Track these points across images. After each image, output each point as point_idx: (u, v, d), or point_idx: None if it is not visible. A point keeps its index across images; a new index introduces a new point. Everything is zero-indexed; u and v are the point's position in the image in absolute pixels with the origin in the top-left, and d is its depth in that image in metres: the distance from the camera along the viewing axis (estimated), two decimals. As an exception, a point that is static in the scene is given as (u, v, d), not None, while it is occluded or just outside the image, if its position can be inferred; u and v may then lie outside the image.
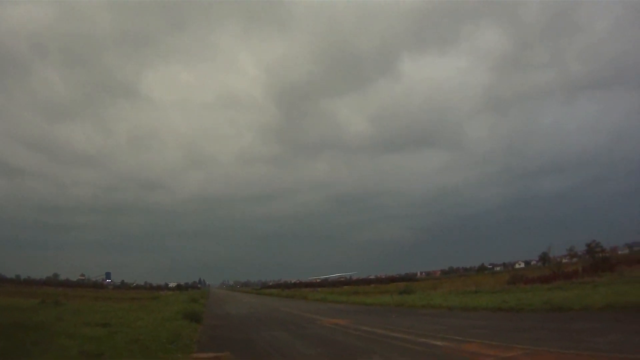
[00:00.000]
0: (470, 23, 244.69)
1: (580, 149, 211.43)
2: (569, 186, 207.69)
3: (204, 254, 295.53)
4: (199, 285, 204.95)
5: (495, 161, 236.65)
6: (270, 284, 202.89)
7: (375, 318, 28.44)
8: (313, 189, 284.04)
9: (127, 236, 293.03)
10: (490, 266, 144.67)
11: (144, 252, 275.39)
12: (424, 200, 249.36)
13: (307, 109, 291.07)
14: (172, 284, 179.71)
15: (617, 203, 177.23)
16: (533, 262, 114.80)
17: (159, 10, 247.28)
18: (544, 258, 76.74)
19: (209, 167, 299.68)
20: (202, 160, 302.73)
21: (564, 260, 62.26)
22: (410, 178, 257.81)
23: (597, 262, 50.56)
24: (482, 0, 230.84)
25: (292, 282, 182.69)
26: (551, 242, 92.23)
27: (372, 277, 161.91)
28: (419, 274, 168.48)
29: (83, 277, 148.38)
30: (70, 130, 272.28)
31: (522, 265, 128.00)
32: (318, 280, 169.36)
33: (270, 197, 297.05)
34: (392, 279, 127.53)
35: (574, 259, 60.23)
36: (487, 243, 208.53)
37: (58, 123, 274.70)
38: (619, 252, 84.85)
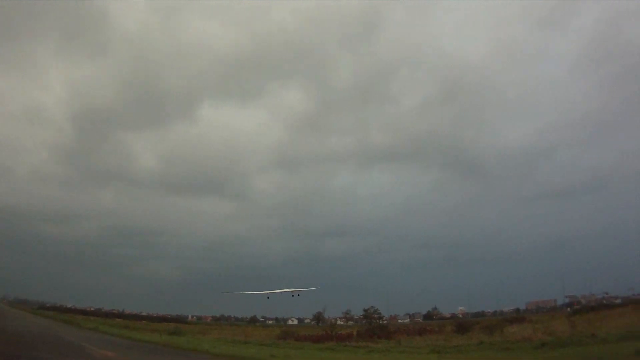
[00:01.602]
0: (276, 80, 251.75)
1: (368, 217, 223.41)
2: (352, 251, 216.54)
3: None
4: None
5: (280, 217, 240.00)
6: (48, 305, 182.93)
7: (141, 354, 30.21)
8: (98, 217, 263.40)
9: None
10: (263, 319, 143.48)
11: None
12: (203, 246, 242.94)
13: (104, 137, 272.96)
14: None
15: (400, 275, 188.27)
16: (307, 320, 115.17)
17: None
18: (318, 318, 76.55)
19: (7, 179, 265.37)
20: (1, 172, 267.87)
21: (339, 322, 61.60)
22: (194, 222, 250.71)
23: (374, 327, 51.04)
24: (291, 60, 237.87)
25: (68, 307, 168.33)
26: (327, 303, 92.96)
27: (144, 313, 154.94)
28: (190, 317, 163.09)
29: None
30: None
31: (296, 322, 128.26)
32: (92, 309, 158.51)
33: (58, 219, 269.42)
34: (163, 318, 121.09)
35: (350, 323, 60.83)
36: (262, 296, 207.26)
37: None
38: (399, 321, 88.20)
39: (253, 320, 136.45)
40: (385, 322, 58.59)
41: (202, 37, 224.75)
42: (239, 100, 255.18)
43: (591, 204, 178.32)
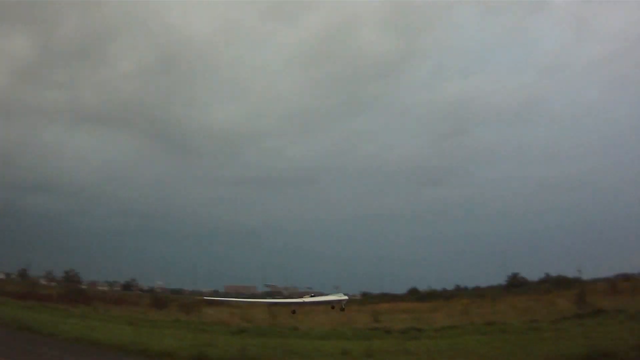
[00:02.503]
0: (3, 23, 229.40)
1: (73, 177, 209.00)
2: (56, 209, 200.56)
3: None
4: None
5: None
6: None
7: None
8: None
9: None
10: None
11: None
12: None
13: None
14: None
15: (102, 240, 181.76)
16: (14, 276, 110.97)
17: None
18: (22, 274, 75.70)
19: None
20: None
21: (43, 282, 61.60)
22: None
23: (74, 292, 52.37)
24: (20, 4, 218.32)
25: None
26: (33, 259, 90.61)
27: None
28: None
29: None
30: None
31: (3, 276, 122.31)
32: None
33: None
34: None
35: (53, 284, 60.83)
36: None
37: None
38: (99, 288, 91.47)
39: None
40: (84, 287, 59.62)
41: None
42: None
43: (297, 196, 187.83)
